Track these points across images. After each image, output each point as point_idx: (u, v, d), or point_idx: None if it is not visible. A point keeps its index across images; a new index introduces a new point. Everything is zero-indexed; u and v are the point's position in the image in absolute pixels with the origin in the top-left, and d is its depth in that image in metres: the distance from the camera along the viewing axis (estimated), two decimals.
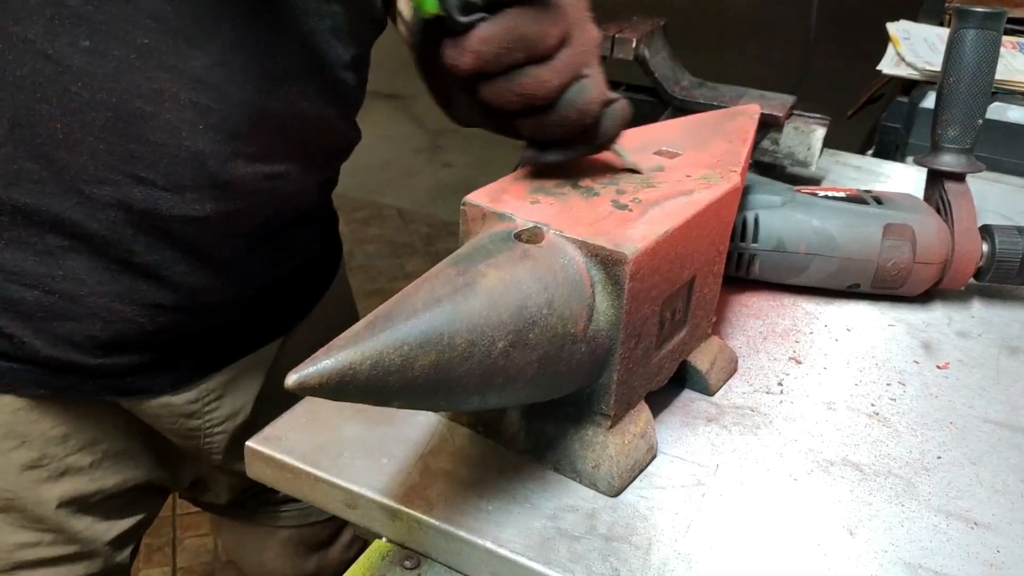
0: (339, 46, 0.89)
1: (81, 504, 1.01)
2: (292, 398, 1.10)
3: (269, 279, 1.00)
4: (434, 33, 0.71)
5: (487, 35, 0.66)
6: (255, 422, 1.08)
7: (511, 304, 0.60)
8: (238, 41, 0.81)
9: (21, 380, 0.92)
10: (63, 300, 0.87)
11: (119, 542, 1.07)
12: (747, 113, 0.96)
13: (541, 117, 0.71)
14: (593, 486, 0.72)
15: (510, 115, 0.72)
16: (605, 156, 0.78)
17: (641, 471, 0.75)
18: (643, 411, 0.75)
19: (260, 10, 0.82)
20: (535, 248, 0.65)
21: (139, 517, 1.10)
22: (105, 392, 0.95)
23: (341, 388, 0.53)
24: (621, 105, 0.74)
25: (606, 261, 0.66)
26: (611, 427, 0.72)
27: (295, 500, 1.26)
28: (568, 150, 0.75)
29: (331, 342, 0.54)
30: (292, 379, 0.52)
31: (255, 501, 1.26)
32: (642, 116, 0.93)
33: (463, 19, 0.66)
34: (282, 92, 0.85)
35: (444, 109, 0.88)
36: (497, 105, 0.70)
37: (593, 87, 0.71)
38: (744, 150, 0.85)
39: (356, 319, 0.57)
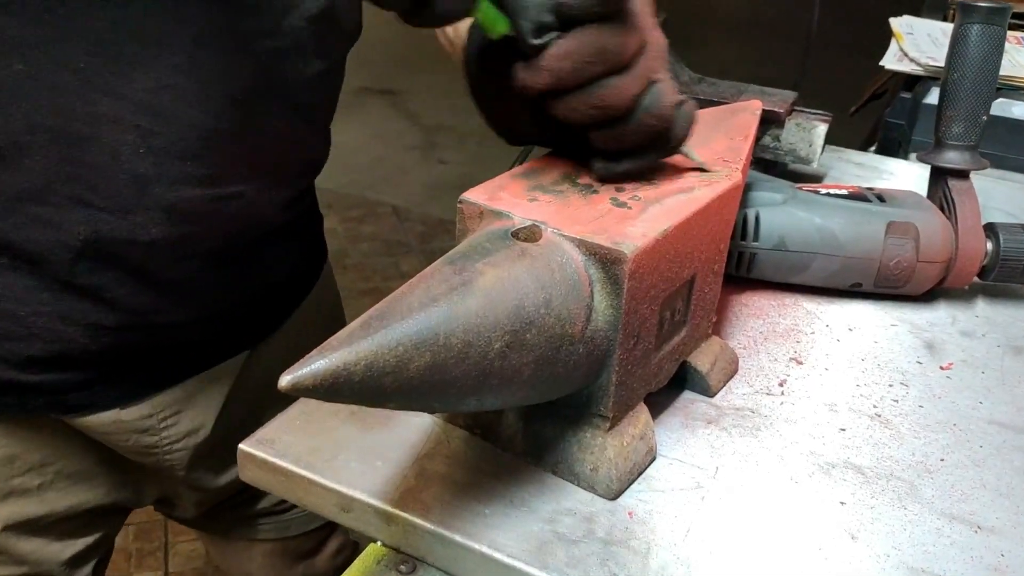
0: (301, 62, 0.88)
1: (28, 527, 1.00)
2: (259, 413, 1.09)
3: (231, 298, 0.99)
4: (496, 54, 0.71)
5: (565, 51, 0.66)
6: (220, 436, 1.07)
7: (508, 304, 0.60)
8: (186, 64, 0.80)
9: None
10: (2, 319, 0.87)
11: (75, 561, 1.07)
12: (749, 109, 0.96)
13: (618, 127, 0.71)
14: (591, 489, 0.72)
15: (584, 128, 0.72)
16: (675, 159, 0.79)
17: (640, 474, 0.75)
18: (642, 413, 0.75)
19: (210, 32, 0.80)
20: (533, 247, 0.65)
21: (97, 536, 1.09)
22: (50, 409, 0.94)
23: (335, 389, 0.53)
24: (690, 106, 0.74)
25: (604, 260, 0.66)
26: (609, 429, 0.72)
27: (272, 513, 1.26)
28: (642, 157, 0.75)
29: (325, 342, 0.54)
30: (285, 380, 0.52)
31: (230, 515, 1.25)
32: None
33: (536, 41, 0.66)
34: (237, 114, 0.84)
35: (499, 129, 0.84)
36: (572, 120, 0.70)
37: (667, 91, 0.71)
38: (746, 147, 0.85)
39: (341, 326, 0.57)
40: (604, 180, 0.76)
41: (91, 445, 1.02)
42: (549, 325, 0.62)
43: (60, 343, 0.89)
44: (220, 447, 1.08)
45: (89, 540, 1.08)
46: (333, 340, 0.54)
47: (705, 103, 1.17)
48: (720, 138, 0.87)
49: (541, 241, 0.66)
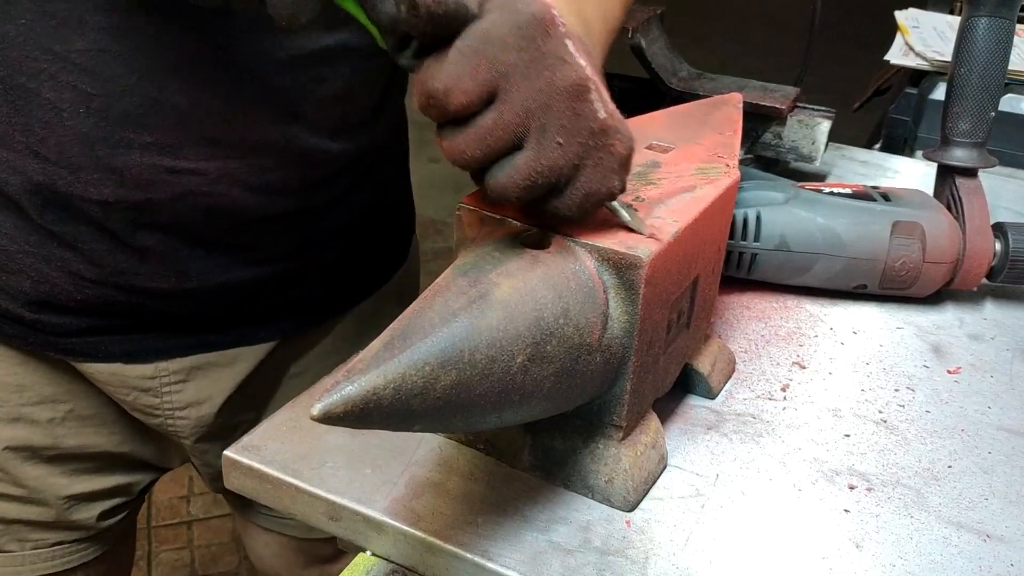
0: (263, 40, 0.85)
1: (32, 453, 1.03)
2: (272, 405, 1.08)
3: (225, 281, 0.98)
4: None
5: (418, 77, 0.62)
6: (230, 418, 1.09)
7: (528, 315, 0.60)
8: (122, 27, 0.80)
9: None
10: (0, 252, 0.91)
11: (78, 499, 1.09)
12: (731, 102, 0.96)
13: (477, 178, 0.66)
14: (607, 501, 0.72)
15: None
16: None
17: (654, 483, 0.75)
18: (652, 420, 0.75)
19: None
20: (544, 254, 0.64)
21: (109, 485, 1.11)
22: (49, 348, 0.98)
23: (365, 415, 0.53)
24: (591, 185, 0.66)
25: (619, 265, 0.65)
26: (623, 439, 0.71)
27: None
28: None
29: (350, 365, 0.54)
30: (317, 410, 0.51)
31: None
32: (638, 109, 0.93)
33: (402, 60, 0.62)
34: (184, 85, 0.84)
35: None
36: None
37: (523, 166, 0.63)
38: (737, 142, 0.86)
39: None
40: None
41: (106, 395, 1.05)
42: (568, 335, 0.62)
43: (47, 284, 0.92)
44: (229, 429, 1.10)
45: (98, 484, 1.10)
46: (358, 363, 0.54)
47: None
48: (709, 133, 0.87)
49: (551, 248, 0.66)
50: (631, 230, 0.68)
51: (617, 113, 0.65)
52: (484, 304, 0.58)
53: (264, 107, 0.89)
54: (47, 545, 1.09)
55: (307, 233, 1.03)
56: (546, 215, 0.66)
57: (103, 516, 1.12)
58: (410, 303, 0.59)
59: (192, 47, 0.83)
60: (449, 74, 0.59)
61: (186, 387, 1.04)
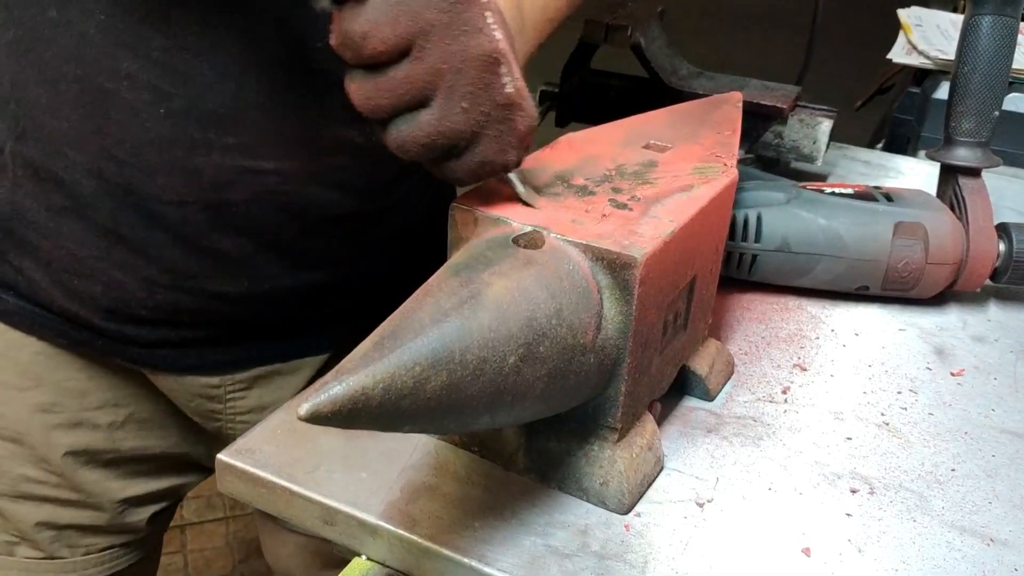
0: None
1: (91, 457, 1.04)
2: None
3: (296, 285, 0.99)
4: None
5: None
6: None
7: (520, 315, 0.60)
8: (202, 24, 0.80)
9: (42, 324, 0.97)
10: (69, 257, 0.91)
11: (131, 503, 1.10)
12: (730, 101, 0.96)
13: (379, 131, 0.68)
14: (602, 504, 0.72)
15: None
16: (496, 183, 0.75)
17: (650, 485, 0.75)
18: (648, 422, 0.75)
19: None
20: (538, 253, 0.64)
21: (161, 486, 1.12)
22: (117, 355, 0.98)
23: (353, 415, 0.53)
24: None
25: (614, 265, 0.65)
26: (618, 441, 0.72)
27: None
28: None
29: (338, 365, 0.54)
30: (304, 409, 0.51)
31: None
32: (638, 108, 0.93)
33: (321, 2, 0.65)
34: (262, 83, 0.84)
35: None
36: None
37: (426, 124, 0.66)
38: (735, 141, 0.86)
39: None
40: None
41: (163, 396, 1.05)
42: (561, 336, 0.62)
43: (118, 290, 0.92)
44: None
45: (151, 487, 1.11)
46: (347, 363, 0.54)
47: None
48: (707, 133, 0.87)
49: (545, 248, 0.66)
50: (524, 203, 0.71)
51: (525, 90, 0.68)
52: (476, 304, 0.58)
53: (341, 103, 0.89)
54: (97, 550, 1.10)
55: (371, 236, 1.03)
56: (440, 176, 0.70)
57: (152, 519, 1.13)
58: None
59: (274, 44, 0.83)
60: (369, 19, 0.62)
61: (249, 394, 1.05)
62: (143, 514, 1.12)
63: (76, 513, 1.06)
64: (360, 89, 0.65)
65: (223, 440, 1.12)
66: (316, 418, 0.52)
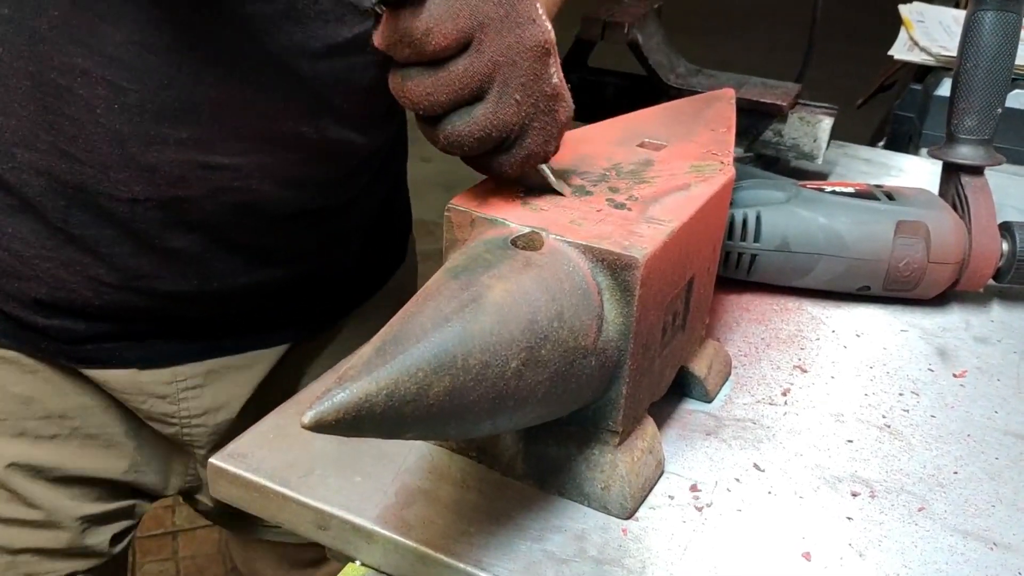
0: (297, 31, 0.87)
1: (37, 472, 1.02)
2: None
3: (248, 282, 0.99)
4: None
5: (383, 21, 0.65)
6: (245, 427, 1.08)
7: (522, 319, 0.60)
8: (160, 21, 0.80)
9: None
10: (12, 257, 0.91)
11: (92, 521, 1.07)
12: (724, 98, 0.96)
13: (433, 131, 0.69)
14: (604, 509, 0.72)
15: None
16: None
17: (651, 490, 0.75)
18: (649, 425, 0.76)
19: None
20: (537, 255, 0.65)
21: (113, 507, 1.10)
22: (62, 356, 0.98)
23: (357, 422, 0.53)
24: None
25: (614, 266, 0.65)
26: (619, 444, 0.72)
27: None
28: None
29: (342, 372, 0.54)
30: (308, 418, 0.51)
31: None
32: (635, 106, 0.93)
33: (366, 3, 0.65)
34: (221, 78, 0.84)
35: None
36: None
37: (481, 118, 0.67)
38: (731, 138, 0.86)
39: None
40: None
41: (115, 412, 1.04)
42: (563, 338, 0.62)
43: (64, 291, 0.92)
44: None
45: (107, 507, 1.09)
46: (350, 369, 0.54)
47: None
48: (702, 130, 0.87)
49: (544, 249, 0.66)
50: (555, 192, 0.73)
51: (564, 81, 0.69)
52: (476, 308, 0.58)
53: (297, 99, 0.90)
54: None
55: (328, 231, 1.04)
56: (483, 170, 0.71)
57: (114, 540, 1.11)
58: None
59: (230, 39, 0.83)
60: (432, 15, 0.63)
61: (203, 392, 1.04)
62: (104, 535, 1.09)
63: (33, 534, 1.03)
64: (418, 86, 0.66)
65: (173, 461, 1.11)
66: (320, 426, 0.52)
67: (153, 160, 0.85)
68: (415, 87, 0.66)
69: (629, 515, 0.72)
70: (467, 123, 0.66)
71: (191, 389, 1.03)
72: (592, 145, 0.82)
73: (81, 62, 0.80)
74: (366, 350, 0.55)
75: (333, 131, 0.94)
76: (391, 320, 0.58)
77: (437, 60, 0.65)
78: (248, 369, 1.06)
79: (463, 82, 0.65)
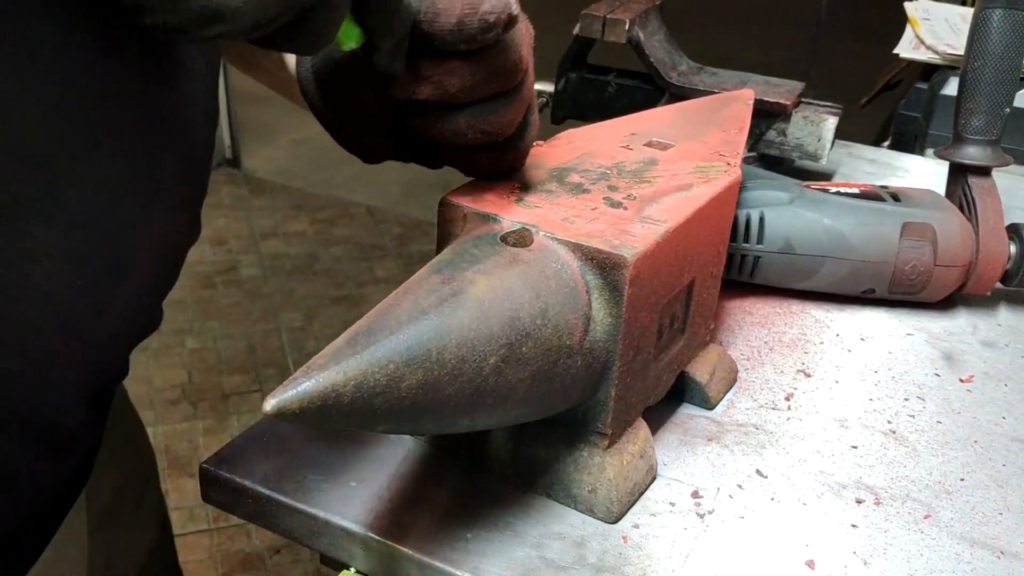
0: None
1: None
2: None
3: None
4: (342, 71, 0.70)
5: (455, 65, 0.64)
6: None
7: (503, 315, 0.60)
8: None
9: None
10: None
11: None
12: (741, 99, 0.96)
13: (499, 151, 0.71)
14: (590, 512, 0.72)
15: (459, 149, 0.71)
16: None
17: (641, 494, 0.75)
18: (641, 428, 0.75)
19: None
20: (525, 252, 0.65)
21: None
22: None
23: (323, 413, 0.52)
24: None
25: (603, 265, 0.65)
26: (608, 447, 0.72)
27: None
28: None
29: (310, 361, 0.54)
30: (271, 404, 0.51)
31: None
32: (636, 105, 0.94)
33: (383, 61, 0.63)
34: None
35: (351, 149, 0.77)
36: (456, 142, 0.69)
37: (535, 121, 0.73)
38: (742, 140, 0.86)
39: None
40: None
41: None
42: (546, 337, 0.62)
43: None
44: None
45: None
46: (318, 359, 0.53)
47: (705, 94, 1.17)
48: (713, 131, 0.87)
49: (533, 246, 0.66)
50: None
51: None
52: (456, 302, 0.59)
53: None
54: None
55: None
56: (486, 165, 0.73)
57: None
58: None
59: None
60: (518, 41, 0.65)
61: None
62: None
63: None
64: (502, 117, 0.67)
65: None
66: (283, 414, 0.51)
67: None
68: (500, 118, 0.67)
69: (615, 519, 0.72)
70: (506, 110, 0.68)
71: None
72: (597, 143, 0.82)
73: None
74: (337, 341, 0.55)
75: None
76: (368, 312, 0.58)
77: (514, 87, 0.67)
78: None
79: (531, 93, 0.69)
